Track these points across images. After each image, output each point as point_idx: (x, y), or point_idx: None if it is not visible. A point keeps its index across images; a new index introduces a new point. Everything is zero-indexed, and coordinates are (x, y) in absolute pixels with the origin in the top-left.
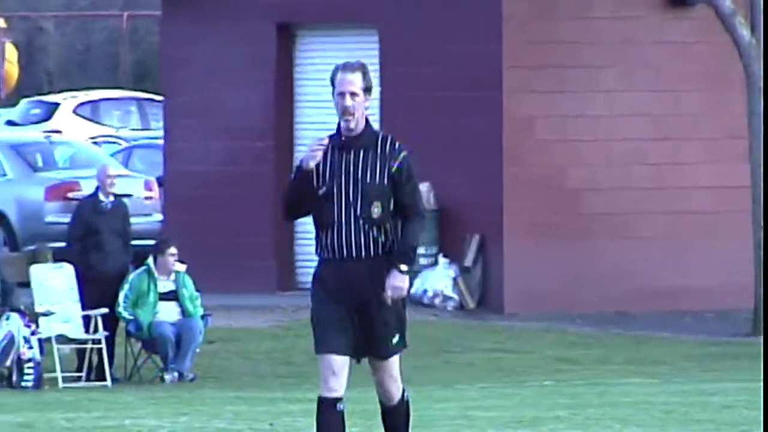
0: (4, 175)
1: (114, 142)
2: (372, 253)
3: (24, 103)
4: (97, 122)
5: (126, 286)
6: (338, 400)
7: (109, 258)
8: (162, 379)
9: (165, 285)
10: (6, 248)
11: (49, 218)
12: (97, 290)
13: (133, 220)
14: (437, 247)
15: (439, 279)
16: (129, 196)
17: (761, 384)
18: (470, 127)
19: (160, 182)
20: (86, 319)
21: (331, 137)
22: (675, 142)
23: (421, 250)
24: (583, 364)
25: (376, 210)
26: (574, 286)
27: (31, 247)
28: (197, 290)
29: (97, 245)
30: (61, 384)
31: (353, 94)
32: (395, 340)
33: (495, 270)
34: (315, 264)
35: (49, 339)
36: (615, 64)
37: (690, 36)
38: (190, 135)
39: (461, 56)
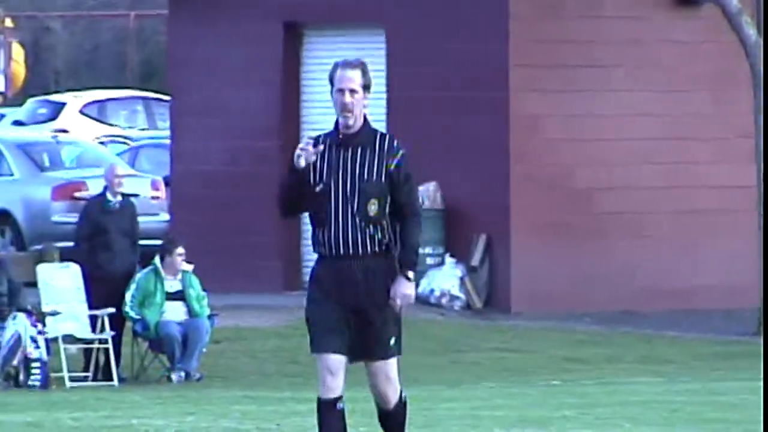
0: (11, 174)
1: (121, 142)
2: (369, 251)
3: (31, 102)
4: (103, 122)
5: (133, 286)
6: (338, 399)
7: (116, 258)
8: (169, 379)
9: (172, 285)
10: (13, 248)
11: (56, 218)
12: (104, 290)
13: (139, 219)
14: (444, 247)
15: (445, 278)
16: (136, 195)
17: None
18: (477, 126)
19: (167, 182)
20: (93, 319)
21: (328, 134)
22: (682, 142)
23: (428, 250)
24: (591, 364)
25: (373, 208)
26: (582, 285)
27: (38, 247)
28: (204, 290)
29: (104, 245)
30: (68, 383)
31: (352, 91)
32: (393, 341)
33: (502, 269)
34: None
35: (56, 339)
36: (622, 63)
37: (697, 35)
38: (197, 135)
39: (468, 56)
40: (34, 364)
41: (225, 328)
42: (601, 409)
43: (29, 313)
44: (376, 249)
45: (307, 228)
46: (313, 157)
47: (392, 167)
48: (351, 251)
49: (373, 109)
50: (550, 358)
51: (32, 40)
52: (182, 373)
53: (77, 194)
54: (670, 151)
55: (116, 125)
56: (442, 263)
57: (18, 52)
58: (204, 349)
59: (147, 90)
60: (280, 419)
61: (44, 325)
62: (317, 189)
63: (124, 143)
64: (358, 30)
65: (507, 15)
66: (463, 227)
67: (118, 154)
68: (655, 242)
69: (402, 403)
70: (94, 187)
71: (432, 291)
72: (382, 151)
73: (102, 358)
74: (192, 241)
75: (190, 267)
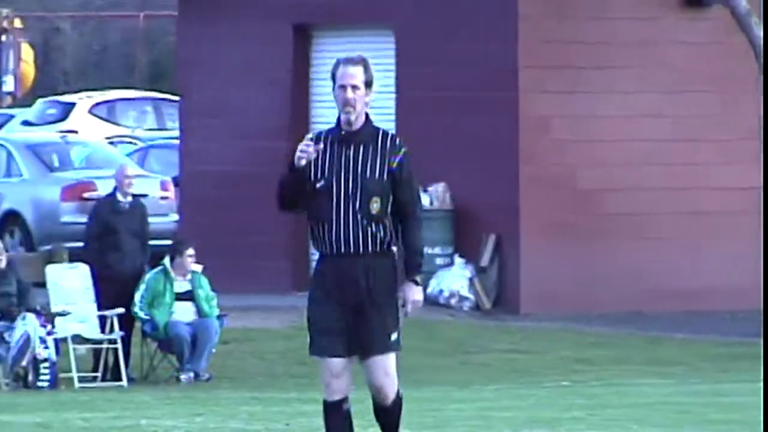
0: (20, 175)
1: (130, 142)
2: (370, 249)
3: (40, 103)
4: (113, 122)
5: (142, 286)
6: (343, 400)
7: (126, 258)
8: (178, 379)
9: (181, 285)
10: (22, 248)
11: (65, 218)
12: (113, 290)
13: (148, 220)
14: (453, 248)
15: (455, 279)
16: (145, 196)
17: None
18: (486, 127)
19: (176, 182)
20: (102, 319)
21: (330, 131)
22: (690, 143)
23: (437, 250)
24: (599, 365)
25: (374, 206)
26: (590, 286)
27: (47, 247)
28: (213, 290)
29: (114, 245)
30: (77, 384)
31: (354, 87)
32: (393, 336)
33: (511, 270)
34: None
35: (65, 339)
36: (631, 64)
37: (706, 36)
38: (206, 135)
39: (477, 56)
40: (43, 365)
41: (233, 328)
42: (610, 411)
43: (38, 314)
44: (377, 247)
45: None
46: (314, 155)
47: (394, 165)
48: (352, 249)
49: (382, 109)
50: (559, 359)
51: (41, 40)
52: (191, 374)
53: (86, 195)
54: (677, 153)
55: (125, 126)
56: (451, 264)
57: (27, 52)
58: (213, 350)
59: (155, 90)
60: (288, 420)
61: (53, 325)
62: (318, 185)
63: (134, 143)
64: (367, 30)
65: (516, 16)
66: (472, 228)
67: (127, 155)
68: (663, 243)
69: (399, 401)
70: (103, 188)
71: (441, 291)
72: (384, 149)
73: (111, 359)
74: (201, 241)
75: (199, 267)
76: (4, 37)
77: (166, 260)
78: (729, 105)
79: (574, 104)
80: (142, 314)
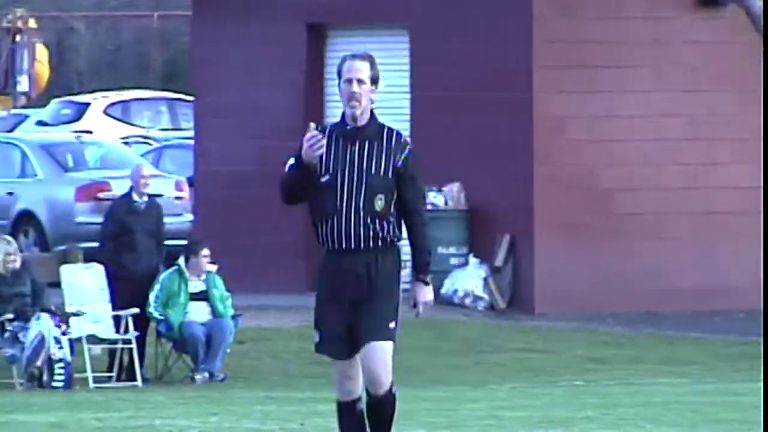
0: (35, 175)
1: (144, 143)
2: (372, 246)
3: (54, 103)
4: (127, 122)
5: (157, 287)
6: (357, 400)
7: (141, 258)
8: (192, 379)
9: (196, 285)
10: (36, 248)
11: (80, 218)
12: (128, 290)
13: (164, 220)
14: (468, 247)
15: (469, 279)
16: (159, 196)
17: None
18: (500, 127)
19: (191, 182)
20: (117, 320)
21: (334, 126)
22: (706, 143)
23: (451, 250)
24: (613, 364)
25: (379, 203)
26: (605, 286)
27: (62, 248)
28: (227, 290)
29: (130, 245)
30: (91, 384)
31: (360, 81)
32: (392, 324)
33: (525, 270)
34: None
35: (79, 339)
36: (645, 64)
37: (721, 36)
38: (221, 135)
39: (491, 56)
40: (57, 365)
41: (248, 328)
42: (624, 410)
43: (53, 314)
44: (380, 244)
45: None
46: (321, 150)
47: (400, 162)
48: (353, 245)
49: (396, 109)
50: (573, 358)
51: (56, 40)
52: (206, 374)
53: (101, 195)
54: (692, 152)
55: (140, 126)
56: (465, 264)
57: (42, 52)
58: (227, 350)
59: (170, 90)
60: (302, 419)
61: (68, 325)
62: (323, 180)
63: (148, 143)
64: (382, 30)
65: (530, 16)
66: (487, 228)
67: (142, 155)
68: (678, 243)
69: (392, 396)
70: (118, 188)
71: (455, 291)
72: (389, 146)
73: (126, 359)
74: (215, 241)
75: (214, 267)
76: (18, 38)
77: (181, 260)
78: (744, 104)
79: (589, 104)
80: (156, 314)
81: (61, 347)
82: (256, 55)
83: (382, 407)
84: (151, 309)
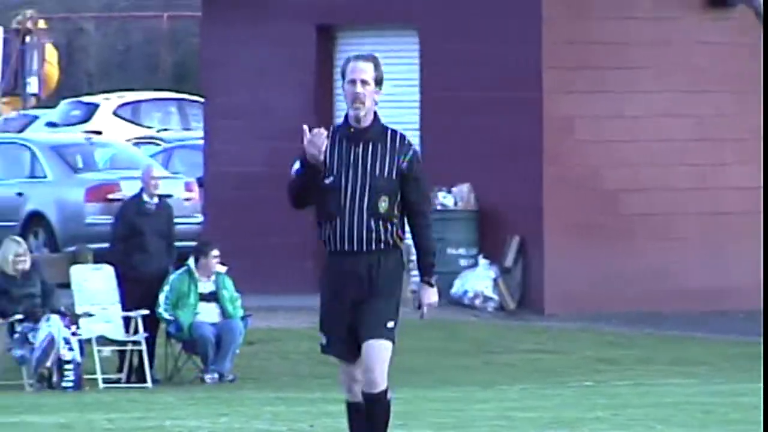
0: (45, 176)
1: (154, 143)
2: (375, 247)
3: (64, 104)
4: (137, 123)
5: (166, 287)
6: None
7: (152, 259)
8: (202, 380)
9: (205, 286)
10: (46, 249)
11: (90, 219)
12: (138, 291)
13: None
14: (477, 248)
15: (479, 280)
16: (169, 196)
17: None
18: (509, 127)
19: (200, 183)
20: (126, 321)
21: (337, 127)
22: (713, 143)
23: (461, 251)
24: (623, 365)
25: (383, 204)
26: (614, 286)
27: (72, 249)
28: (237, 291)
29: (140, 246)
30: (101, 385)
31: (364, 82)
32: (390, 324)
33: (535, 271)
34: None
35: (89, 340)
36: (654, 64)
37: (729, 37)
38: (230, 136)
39: (500, 57)
40: (67, 366)
41: (258, 329)
42: (633, 411)
43: (63, 315)
44: (383, 245)
45: None
46: (323, 143)
47: (404, 164)
48: (356, 247)
49: (406, 110)
50: (583, 359)
51: (65, 41)
52: (215, 375)
53: (110, 196)
54: (700, 153)
55: (149, 127)
56: (475, 264)
57: (51, 53)
58: (237, 351)
59: (179, 91)
60: (312, 420)
61: (78, 326)
62: (327, 181)
63: (157, 144)
64: (392, 31)
65: (539, 17)
66: (497, 228)
67: (151, 156)
68: (687, 243)
69: (386, 399)
70: (128, 189)
71: (465, 292)
72: (393, 148)
73: (135, 360)
74: (225, 242)
75: (223, 268)
76: (28, 39)
77: (191, 261)
78: (751, 105)
79: (598, 105)
80: (166, 315)
81: (70, 348)
82: (265, 56)
83: (373, 406)
84: (160, 310)
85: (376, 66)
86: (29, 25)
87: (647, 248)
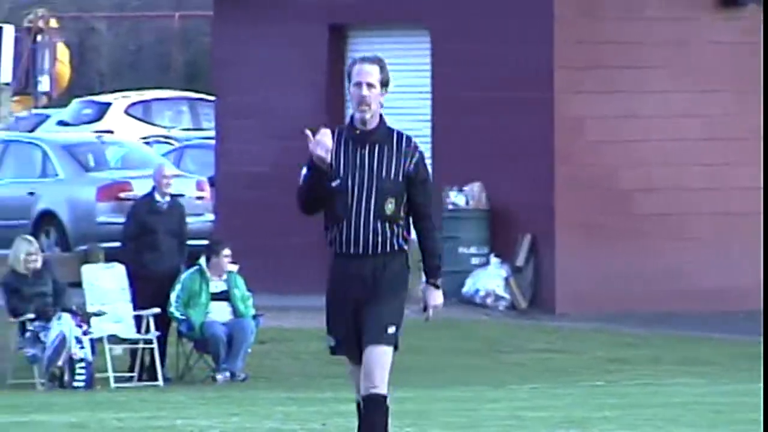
0: (56, 175)
1: (166, 142)
2: (379, 250)
3: (75, 103)
4: (148, 122)
5: (178, 286)
6: None
7: (163, 258)
8: (213, 379)
9: (217, 285)
10: (58, 248)
11: (101, 218)
12: (149, 290)
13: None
14: (489, 247)
15: (490, 279)
16: (181, 196)
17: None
18: (521, 127)
19: (212, 182)
20: (138, 319)
21: (342, 130)
22: (726, 143)
23: (472, 250)
24: (634, 365)
25: (389, 207)
26: (625, 286)
27: (83, 247)
28: (249, 290)
29: (152, 245)
30: (112, 384)
31: (370, 85)
32: (391, 329)
33: (546, 270)
34: None
35: (100, 339)
36: (665, 64)
37: (741, 36)
38: (242, 135)
39: (512, 57)
40: (78, 365)
41: (269, 328)
42: (643, 410)
43: (74, 314)
44: (389, 248)
45: None
46: (328, 141)
47: (410, 167)
48: (361, 250)
49: (418, 110)
50: (594, 359)
51: (77, 40)
52: (227, 374)
53: (122, 195)
54: (712, 153)
55: (161, 126)
56: (487, 263)
57: (63, 52)
58: (248, 350)
59: (191, 90)
60: (324, 420)
61: (89, 325)
62: (333, 184)
63: (169, 143)
64: (403, 31)
65: (551, 16)
66: (508, 227)
67: (163, 155)
68: (699, 243)
69: (385, 403)
70: (139, 188)
71: (477, 291)
72: (399, 150)
73: (147, 359)
74: (236, 241)
75: (235, 267)
76: (39, 38)
77: (202, 260)
78: (764, 105)
79: (610, 105)
80: (177, 314)
81: (82, 347)
82: (277, 56)
83: (372, 412)
84: (172, 309)
85: (382, 68)
86: (41, 24)
87: (660, 248)
